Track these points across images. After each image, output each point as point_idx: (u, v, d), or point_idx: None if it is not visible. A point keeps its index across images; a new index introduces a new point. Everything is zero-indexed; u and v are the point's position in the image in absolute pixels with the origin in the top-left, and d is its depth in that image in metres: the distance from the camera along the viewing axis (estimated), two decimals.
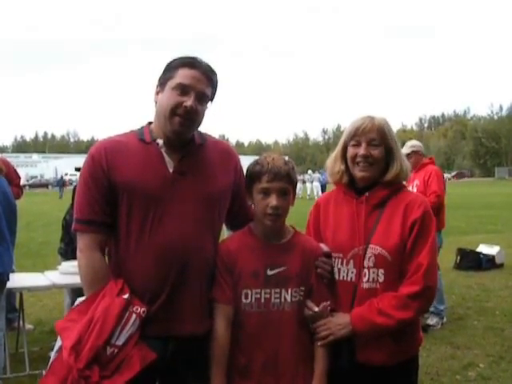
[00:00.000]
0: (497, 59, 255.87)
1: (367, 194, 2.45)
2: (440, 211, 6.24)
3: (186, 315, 2.30)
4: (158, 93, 2.34)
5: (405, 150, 6.45)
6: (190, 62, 2.28)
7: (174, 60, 2.33)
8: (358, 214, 2.44)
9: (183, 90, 2.25)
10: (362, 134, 2.43)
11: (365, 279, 2.37)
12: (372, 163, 2.42)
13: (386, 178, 2.45)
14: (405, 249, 2.36)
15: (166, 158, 2.30)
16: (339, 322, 2.36)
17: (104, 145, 2.31)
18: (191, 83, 2.25)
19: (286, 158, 2.43)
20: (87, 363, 2.02)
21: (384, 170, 2.47)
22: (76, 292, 5.25)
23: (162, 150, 2.30)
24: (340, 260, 2.43)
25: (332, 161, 2.57)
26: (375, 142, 2.43)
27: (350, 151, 2.46)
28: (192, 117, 2.27)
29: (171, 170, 2.29)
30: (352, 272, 2.40)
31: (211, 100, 2.39)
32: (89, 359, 2.02)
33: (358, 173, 2.44)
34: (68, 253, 6.03)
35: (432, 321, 6.34)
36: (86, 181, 2.27)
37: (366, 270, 2.37)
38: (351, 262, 2.40)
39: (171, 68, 2.30)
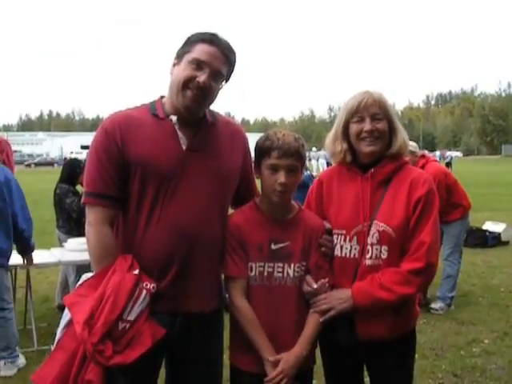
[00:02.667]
0: (505, 36, 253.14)
1: (372, 170, 2.43)
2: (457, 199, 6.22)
3: (194, 292, 2.31)
4: (174, 65, 2.31)
5: None
6: (210, 39, 2.25)
7: (195, 34, 2.30)
8: (363, 190, 2.43)
9: (198, 65, 2.23)
10: (364, 109, 2.40)
11: (368, 256, 2.37)
12: (378, 137, 2.40)
13: (391, 150, 2.44)
14: (408, 226, 2.36)
15: (180, 135, 2.29)
16: (340, 296, 2.36)
17: (118, 118, 2.29)
18: (207, 59, 2.23)
19: (297, 135, 2.39)
20: (101, 338, 2.03)
21: (387, 144, 2.45)
22: (83, 269, 5.30)
23: (176, 127, 2.29)
24: (343, 237, 2.42)
25: (332, 141, 2.54)
26: (379, 116, 2.40)
27: (354, 128, 2.43)
28: (204, 92, 2.25)
29: (184, 147, 2.28)
30: (355, 249, 2.40)
31: (227, 80, 2.37)
32: (102, 334, 2.04)
33: (365, 148, 2.41)
34: (74, 230, 6.06)
35: (436, 305, 6.22)
36: (99, 154, 2.24)
37: (369, 247, 2.37)
38: (354, 238, 2.40)
39: (190, 42, 2.28)
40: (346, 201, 2.46)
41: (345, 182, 2.51)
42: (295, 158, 2.30)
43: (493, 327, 5.56)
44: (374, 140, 2.40)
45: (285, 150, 2.28)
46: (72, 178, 6.21)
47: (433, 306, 6.21)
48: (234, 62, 2.35)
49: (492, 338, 5.27)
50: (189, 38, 2.30)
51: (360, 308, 2.34)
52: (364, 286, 2.34)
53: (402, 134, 2.47)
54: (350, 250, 2.41)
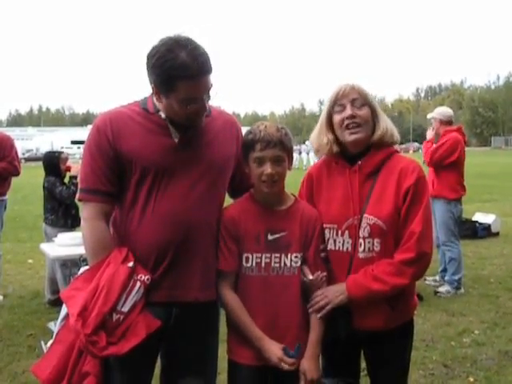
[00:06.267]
0: (494, 29, 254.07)
1: (360, 162, 2.43)
2: (458, 181, 6.41)
3: (189, 282, 2.33)
4: (159, 97, 2.23)
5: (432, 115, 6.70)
6: (188, 75, 2.10)
7: (165, 65, 2.10)
8: (351, 183, 2.43)
9: (191, 101, 2.18)
10: (343, 97, 2.41)
11: (360, 249, 2.38)
12: (360, 123, 2.39)
13: (372, 139, 2.43)
14: (399, 216, 2.36)
15: (171, 128, 2.29)
16: (336, 290, 2.37)
17: (109, 115, 2.31)
18: (197, 95, 2.18)
19: (279, 125, 2.39)
20: (94, 329, 2.06)
21: (372, 131, 2.44)
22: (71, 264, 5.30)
23: (166, 120, 2.29)
24: (335, 231, 2.43)
25: (317, 134, 2.54)
26: (358, 102, 2.40)
27: (337, 118, 2.43)
28: (204, 113, 2.28)
29: (176, 140, 2.29)
30: (348, 242, 2.40)
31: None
32: (96, 325, 2.06)
33: (349, 136, 2.40)
34: (60, 219, 6.22)
35: (442, 288, 6.49)
36: (92, 151, 2.27)
37: (361, 240, 2.37)
38: (346, 232, 2.40)
39: (167, 79, 2.13)
40: (336, 194, 2.46)
41: (333, 175, 2.51)
42: (279, 147, 2.31)
43: (483, 318, 5.59)
44: (356, 127, 2.39)
45: (267, 141, 2.28)
46: (54, 170, 6.36)
47: (440, 289, 6.47)
48: (211, 63, 2.21)
49: (482, 328, 5.30)
50: (161, 71, 2.13)
51: (355, 300, 2.35)
52: (358, 278, 2.35)
53: (385, 121, 2.46)
54: (343, 244, 2.41)
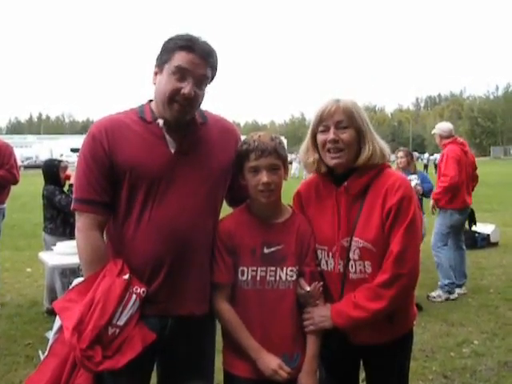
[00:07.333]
0: (493, 40, 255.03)
1: (346, 183, 2.35)
2: (457, 192, 6.68)
3: (185, 295, 2.30)
4: (156, 73, 2.27)
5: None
6: (188, 46, 2.18)
7: (171, 39, 2.23)
8: (338, 206, 2.37)
9: (181, 75, 2.18)
10: (328, 118, 2.32)
11: (352, 270, 2.33)
12: (342, 148, 2.31)
13: (357, 163, 2.34)
14: (386, 237, 2.29)
15: (168, 138, 2.27)
16: (322, 314, 2.35)
17: (105, 123, 2.27)
18: (189, 68, 2.18)
19: (273, 134, 2.39)
20: (90, 343, 2.03)
21: (358, 154, 2.35)
22: (69, 273, 5.29)
23: (163, 130, 2.27)
24: (325, 252, 2.39)
25: (304, 151, 2.47)
26: (343, 125, 2.31)
27: (320, 138, 2.36)
28: (191, 103, 2.22)
29: (173, 150, 2.27)
30: (339, 264, 2.35)
31: (211, 80, 2.32)
32: (91, 339, 2.03)
33: (330, 161, 2.33)
34: (59, 228, 6.19)
35: (435, 293, 6.74)
36: (87, 160, 2.23)
37: (352, 262, 2.33)
38: (337, 254, 2.36)
39: (168, 49, 2.21)
40: (325, 216, 2.41)
41: (322, 195, 2.46)
42: (274, 156, 2.30)
43: (482, 328, 5.58)
44: (337, 152, 2.31)
45: (262, 149, 2.28)
46: (54, 178, 6.34)
47: (432, 294, 6.73)
48: (216, 61, 2.29)
49: (482, 339, 5.29)
50: (166, 45, 2.24)
51: (340, 328, 2.32)
52: (341, 307, 2.32)
53: (372, 143, 2.35)
54: (334, 266, 2.37)
